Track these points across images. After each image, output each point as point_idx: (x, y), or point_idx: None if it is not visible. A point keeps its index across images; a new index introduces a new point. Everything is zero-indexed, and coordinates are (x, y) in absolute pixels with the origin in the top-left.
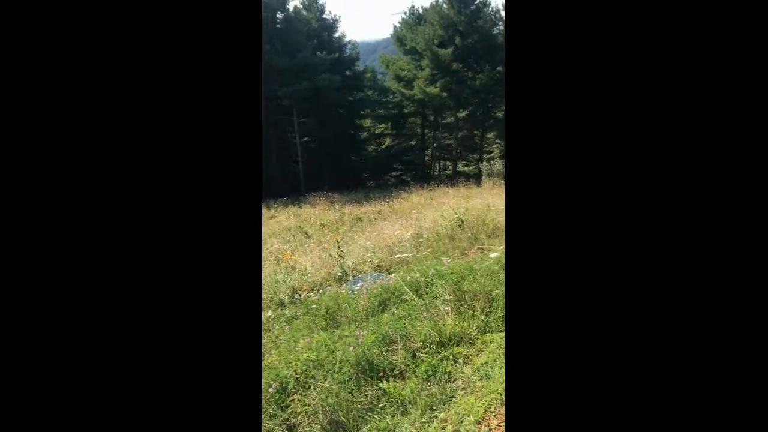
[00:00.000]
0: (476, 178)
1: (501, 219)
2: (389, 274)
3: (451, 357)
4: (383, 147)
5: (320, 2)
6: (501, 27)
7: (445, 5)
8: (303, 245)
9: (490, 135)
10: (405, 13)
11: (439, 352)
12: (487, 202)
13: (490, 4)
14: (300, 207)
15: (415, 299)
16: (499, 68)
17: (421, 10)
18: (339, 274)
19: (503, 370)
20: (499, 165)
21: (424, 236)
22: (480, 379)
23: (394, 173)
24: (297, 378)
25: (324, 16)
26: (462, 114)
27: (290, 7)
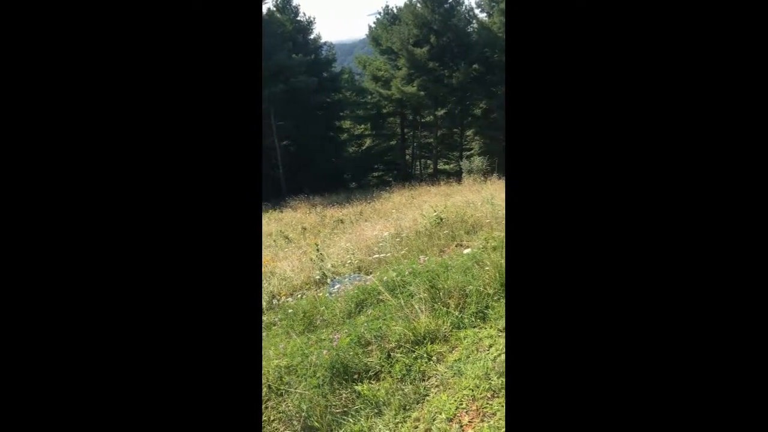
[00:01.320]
0: (457, 175)
1: (480, 215)
2: (367, 274)
3: (425, 355)
4: (364, 148)
5: (294, 4)
6: (475, 25)
7: (419, 4)
8: (283, 250)
9: (469, 132)
10: (379, 13)
11: (414, 351)
12: (467, 199)
13: (463, 3)
14: (281, 211)
15: (391, 299)
16: (475, 66)
17: (395, 10)
18: (317, 277)
19: (475, 365)
20: (478, 162)
21: (404, 235)
22: (453, 376)
23: (375, 174)
24: (269, 386)
25: (298, 18)
26: (440, 112)
27: (264, 9)
